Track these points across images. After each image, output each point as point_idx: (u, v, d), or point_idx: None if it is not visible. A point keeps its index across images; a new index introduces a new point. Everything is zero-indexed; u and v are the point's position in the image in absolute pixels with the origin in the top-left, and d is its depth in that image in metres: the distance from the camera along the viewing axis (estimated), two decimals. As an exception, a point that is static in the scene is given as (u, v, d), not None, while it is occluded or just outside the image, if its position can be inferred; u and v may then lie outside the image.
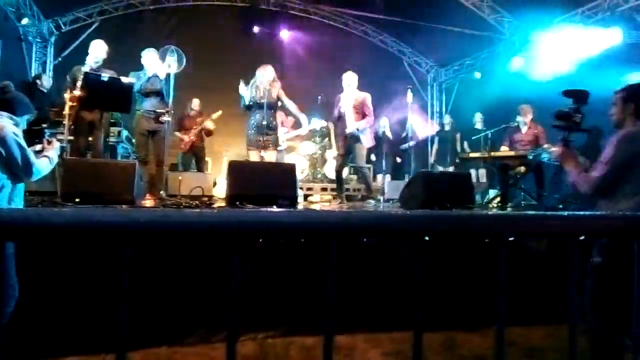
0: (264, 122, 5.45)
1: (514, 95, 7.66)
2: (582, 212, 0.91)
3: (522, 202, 6.23)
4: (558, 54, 7.73)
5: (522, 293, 3.26)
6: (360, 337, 3.08)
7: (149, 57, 5.43)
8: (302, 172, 7.73)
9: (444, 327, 3.19)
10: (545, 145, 6.10)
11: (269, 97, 5.45)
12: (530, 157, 5.96)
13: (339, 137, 5.80)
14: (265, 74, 5.48)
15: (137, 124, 5.46)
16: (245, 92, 5.48)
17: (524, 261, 3.51)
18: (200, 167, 7.45)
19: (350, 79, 5.81)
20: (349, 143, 5.77)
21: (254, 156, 5.61)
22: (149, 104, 5.38)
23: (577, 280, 0.92)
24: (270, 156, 5.60)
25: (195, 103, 7.65)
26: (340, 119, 5.81)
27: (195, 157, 7.47)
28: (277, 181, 4.46)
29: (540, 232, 0.93)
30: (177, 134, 7.37)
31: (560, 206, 5.83)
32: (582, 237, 0.87)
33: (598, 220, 0.90)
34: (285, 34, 9.93)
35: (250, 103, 5.51)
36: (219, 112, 7.43)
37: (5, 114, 2.68)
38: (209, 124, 7.43)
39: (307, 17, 10.23)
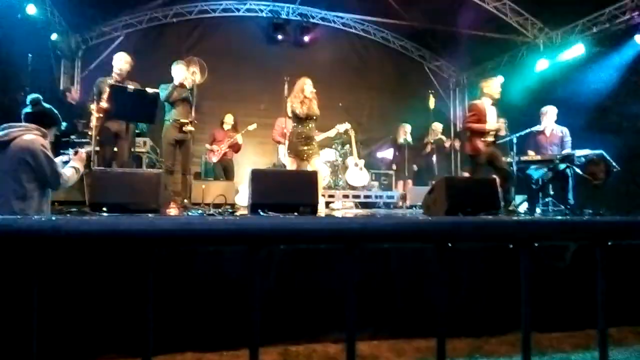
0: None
1: (539, 99, 7.51)
2: (609, 217, 0.89)
3: (551, 208, 6.10)
4: (583, 55, 7.58)
5: (552, 299, 3.19)
6: (383, 346, 3.05)
7: (178, 69, 5.55)
8: (323, 179, 7.74)
9: (471, 334, 3.14)
10: (570, 146, 6.01)
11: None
12: (557, 161, 5.84)
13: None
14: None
15: (165, 134, 5.57)
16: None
17: (552, 268, 3.43)
18: (229, 178, 7.61)
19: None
20: None
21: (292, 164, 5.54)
22: (177, 113, 5.49)
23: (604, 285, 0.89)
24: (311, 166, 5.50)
25: (230, 118, 7.82)
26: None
27: (224, 169, 7.63)
28: (299, 189, 4.47)
29: (566, 238, 0.91)
30: (208, 146, 7.64)
31: (589, 211, 5.68)
32: (610, 243, 0.85)
33: (625, 225, 0.88)
34: (307, 42, 9.99)
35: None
36: (254, 125, 7.64)
37: (33, 126, 2.78)
38: (239, 138, 7.62)
39: (327, 24, 10.30)
